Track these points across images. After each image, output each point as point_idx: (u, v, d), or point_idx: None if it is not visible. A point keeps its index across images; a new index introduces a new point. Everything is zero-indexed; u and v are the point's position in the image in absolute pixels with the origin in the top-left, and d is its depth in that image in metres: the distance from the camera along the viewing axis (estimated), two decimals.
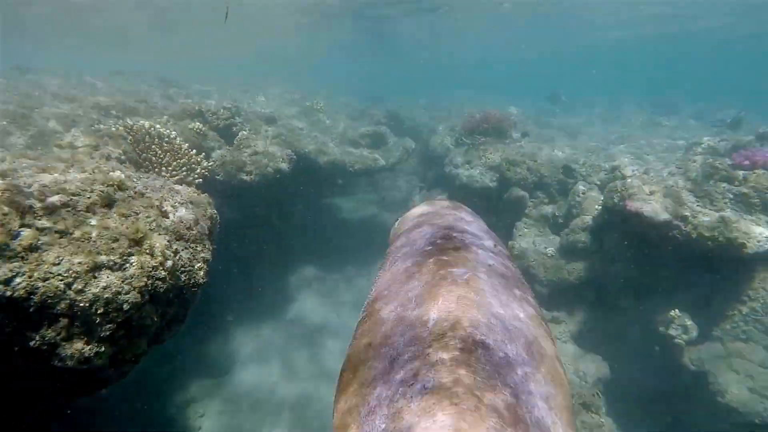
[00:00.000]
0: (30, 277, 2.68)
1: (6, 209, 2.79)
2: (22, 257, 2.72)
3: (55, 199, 3.06)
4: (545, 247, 8.38)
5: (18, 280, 2.65)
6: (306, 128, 11.00)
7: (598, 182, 8.80)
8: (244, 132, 8.75)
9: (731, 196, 6.37)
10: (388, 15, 21.77)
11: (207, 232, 3.94)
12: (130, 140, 6.01)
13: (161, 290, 3.20)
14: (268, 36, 28.95)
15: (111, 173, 3.52)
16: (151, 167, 5.98)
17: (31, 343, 2.78)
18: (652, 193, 6.56)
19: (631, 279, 7.13)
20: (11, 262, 2.67)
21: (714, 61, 48.96)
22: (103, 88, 10.68)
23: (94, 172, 3.48)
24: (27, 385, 3.13)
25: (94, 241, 2.97)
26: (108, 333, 2.95)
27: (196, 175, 6.42)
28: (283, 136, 9.51)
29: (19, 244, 2.73)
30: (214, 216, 4.35)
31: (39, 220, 2.91)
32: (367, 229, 11.68)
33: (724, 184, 6.48)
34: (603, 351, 7.30)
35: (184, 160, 6.40)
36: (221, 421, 7.38)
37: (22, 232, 2.78)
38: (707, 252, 6.21)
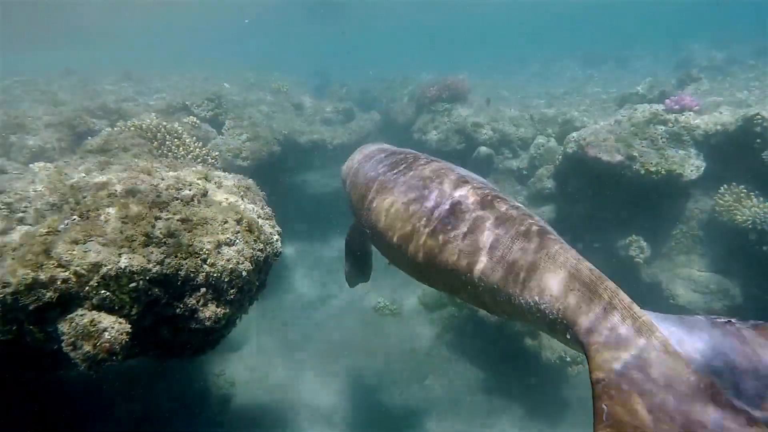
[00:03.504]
0: (175, 257, 3.35)
1: (141, 207, 3.42)
2: (165, 243, 3.37)
3: (167, 194, 3.69)
4: (515, 197, 9.52)
5: (168, 260, 3.32)
6: (279, 110, 11.49)
7: (554, 135, 9.98)
8: (229, 120, 9.21)
9: (667, 136, 7.66)
10: None
11: (271, 211, 4.65)
12: (148, 138, 6.45)
13: (260, 259, 3.93)
14: (202, 19, 28.12)
15: (195, 167, 4.14)
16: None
17: (177, 311, 3.47)
18: (605, 140, 7.75)
19: (592, 216, 8.39)
20: (159, 248, 3.33)
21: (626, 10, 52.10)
22: (68, 90, 10.63)
23: (179, 169, 4.10)
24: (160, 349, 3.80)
25: (210, 224, 3.65)
26: (232, 297, 3.67)
27: (208, 165, 6.95)
28: (263, 120, 10.01)
29: (159, 233, 3.38)
30: (265, 197, 5.04)
31: (163, 212, 3.55)
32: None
33: (661, 127, 7.76)
34: None
35: (196, 152, 6.91)
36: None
37: (158, 223, 3.42)
38: (653, 184, 7.51)
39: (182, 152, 6.71)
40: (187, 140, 6.91)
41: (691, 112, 7.68)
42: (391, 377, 8.33)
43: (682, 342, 1.97)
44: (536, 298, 2.39)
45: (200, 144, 7.10)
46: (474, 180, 3.23)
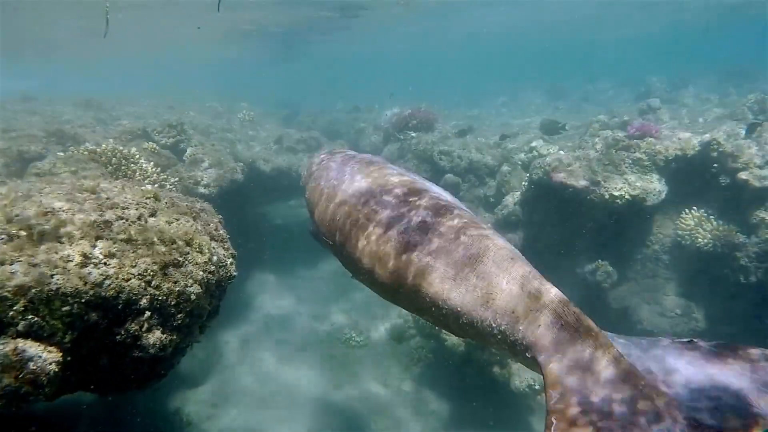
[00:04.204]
0: (117, 278, 3.10)
1: (83, 228, 3.17)
2: (105, 263, 3.12)
3: (111, 214, 3.45)
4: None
5: (107, 282, 3.06)
6: (244, 139, 11.33)
7: (520, 162, 10.10)
8: (191, 148, 8.98)
9: (630, 161, 7.81)
10: (306, 38, 22.18)
11: (225, 234, 4.43)
12: (103, 162, 6.18)
13: (212, 282, 3.70)
14: (172, 51, 28.04)
15: (143, 188, 3.92)
16: None
17: (118, 338, 3.19)
18: (569, 165, 7.84)
19: (559, 241, 8.40)
20: (98, 269, 3.07)
21: (587, 46, 54.63)
22: (24, 116, 10.25)
23: (127, 188, 3.87)
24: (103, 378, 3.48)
25: (157, 245, 3.41)
26: (179, 322, 3.42)
27: (166, 191, 6.69)
28: (227, 148, 9.83)
29: (99, 252, 3.13)
30: (221, 220, 4.82)
31: (104, 232, 3.30)
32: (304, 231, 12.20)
33: (624, 153, 7.91)
34: None
35: (153, 177, 6.65)
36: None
37: (98, 244, 3.17)
38: (618, 209, 7.59)
39: (139, 177, 6.45)
40: (144, 165, 6.66)
41: (652, 138, 7.86)
42: (358, 413, 7.99)
43: (641, 360, 1.95)
44: (498, 321, 2.36)
45: (158, 170, 6.85)
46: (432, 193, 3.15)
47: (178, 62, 38.86)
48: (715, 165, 7.29)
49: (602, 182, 7.55)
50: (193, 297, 3.43)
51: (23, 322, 2.76)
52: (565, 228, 8.24)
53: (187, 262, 3.50)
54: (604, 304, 7.97)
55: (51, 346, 2.87)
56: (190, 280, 3.45)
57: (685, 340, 2.06)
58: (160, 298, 3.24)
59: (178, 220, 3.81)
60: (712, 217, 7.32)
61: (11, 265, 2.83)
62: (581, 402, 1.88)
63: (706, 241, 7.14)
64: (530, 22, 28.94)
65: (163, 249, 3.41)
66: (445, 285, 2.56)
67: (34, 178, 5.48)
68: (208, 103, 16.43)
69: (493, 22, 27.35)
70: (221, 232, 4.39)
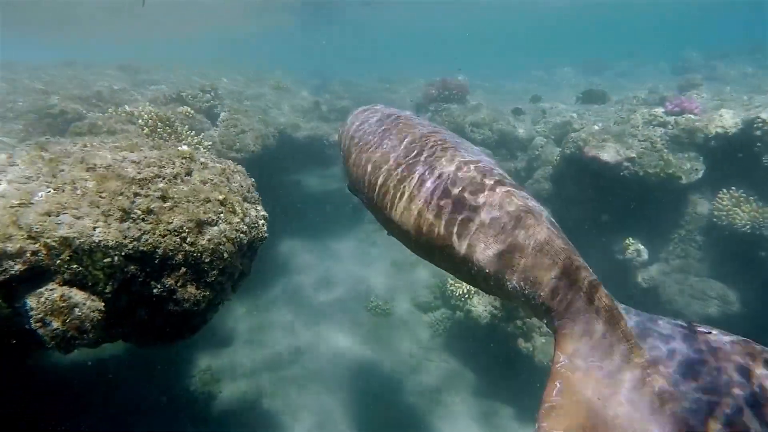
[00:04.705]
0: (153, 234, 3.23)
1: (123, 185, 3.29)
2: (143, 219, 3.24)
3: (148, 171, 3.56)
4: None
5: (145, 236, 3.19)
6: (276, 106, 11.39)
7: (553, 136, 9.89)
8: (224, 113, 9.10)
9: (667, 138, 7.57)
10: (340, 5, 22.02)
11: (258, 196, 4.53)
12: (139, 124, 6.34)
13: (244, 242, 3.81)
14: (209, 21, 28.15)
15: (180, 148, 4.02)
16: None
17: (155, 291, 3.34)
18: (603, 140, 7.65)
19: (590, 217, 8.28)
20: (137, 224, 3.20)
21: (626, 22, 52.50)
22: (65, 79, 10.52)
23: (163, 148, 3.98)
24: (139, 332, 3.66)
25: (192, 203, 3.52)
26: (212, 279, 3.55)
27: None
28: (259, 114, 9.91)
29: (138, 209, 3.25)
30: (254, 183, 4.91)
31: (142, 189, 3.42)
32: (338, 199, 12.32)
33: (661, 129, 7.66)
34: None
35: (187, 140, 6.79)
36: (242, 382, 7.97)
37: (137, 200, 3.29)
38: (651, 186, 7.40)
39: (173, 140, 6.59)
40: (179, 128, 6.80)
41: (691, 115, 7.58)
42: (384, 381, 8.18)
43: (651, 347, 2.00)
44: (522, 284, 2.43)
45: (192, 133, 6.99)
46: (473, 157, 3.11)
47: (211, 35, 39.04)
48: (758, 144, 7.00)
49: (636, 158, 7.35)
50: (225, 255, 3.55)
51: (68, 271, 2.92)
52: (597, 204, 8.11)
53: (220, 221, 3.61)
54: (633, 283, 7.86)
55: (94, 294, 3.03)
56: (224, 239, 3.56)
57: (703, 328, 2.04)
58: (194, 254, 3.36)
59: (212, 180, 3.90)
60: (751, 198, 7.07)
61: (58, 216, 2.98)
62: (587, 371, 1.94)
63: (743, 222, 6.92)
64: None
65: (198, 207, 3.52)
66: (477, 248, 2.59)
67: (76, 137, 5.66)
68: (241, 71, 16.52)
69: None
70: (253, 194, 4.48)
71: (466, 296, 8.13)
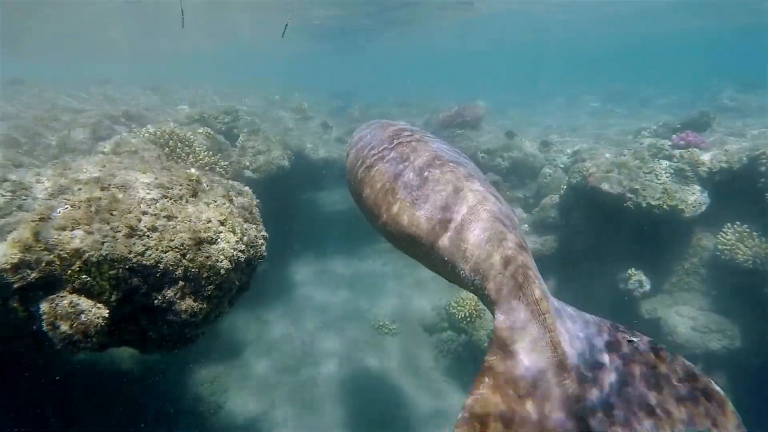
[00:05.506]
0: (156, 249, 3.55)
1: (132, 203, 3.65)
2: (148, 236, 3.58)
3: (156, 192, 3.92)
4: (520, 224, 9.55)
5: (149, 252, 3.52)
6: (295, 128, 11.85)
7: (562, 165, 10.03)
8: (243, 134, 9.56)
9: (672, 171, 7.65)
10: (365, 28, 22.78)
11: (260, 217, 4.84)
12: (160, 144, 6.78)
13: (241, 260, 4.11)
14: (233, 45, 29.34)
15: (189, 170, 4.38)
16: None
17: (155, 302, 3.65)
18: (608, 171, 7.78)
19: (594, 246, 8.36)
20: (141, 240, 3.54)
21: (654, 50, 52.18)
22: (99, 99, 11.22)
23: (174, 170, 4.34)
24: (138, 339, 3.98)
25: (194, 222, 3.85)
26: (209, 293, 3.84)
27: (215, 174, 7.23)
28: (278, 135, 10.35)
29: (144, 226, 3.59)
30: (258, 204, 5.24)
31: (150, 208, 3.77)
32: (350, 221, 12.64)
33: (666, 162, 7.75)
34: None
35: (204, 160, 7.21)
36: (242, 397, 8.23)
37: (143, 218, 3.64)
38: (655, 218, 7.47)
39: (191, 160, 7.01)
40: (197, 149, 7.23)
41: (696, 149, 7.66)
42: (388, 398, 8.32)
43: (573, 342, 2.19)
44: (472, 276, 2.65)
45: (209, 153, 7.41)
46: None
47: (240, 55, 40.50)
48: (762, 180, 7.03)
49: (640, 190, 7.45)
50: (222, 271, 3.85)
51: (78, 281, 3.25)
52: (601, 234, 8.19)
53: (219, 240, 3.92)
54: (635, 313, 7.88)
55: (99, 303, 3.35)
56: (221, 256, 3.86)
57: (628, 337, 2.22)
58: (192, 269, 3.67)
59: (215, 201, 4.24)
60: (755, 233, 7.07)
61: (72, 231, 3.33)
62: (512, 368, 2.14)
63: (746, 257, 6.93)
64: (594, 20, 28.11)
65: (199, 226, 3.84)
66: (435, 236, 2.85)
67: (101, 155, 6.12)
68: (264, 91, 17.17)
69: (554, 21, 26.78)
70: (256, 215, 4.80)
71: (468, 319, 8.27)
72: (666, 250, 7.87)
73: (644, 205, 7.38)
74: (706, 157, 7.54)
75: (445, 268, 2.86)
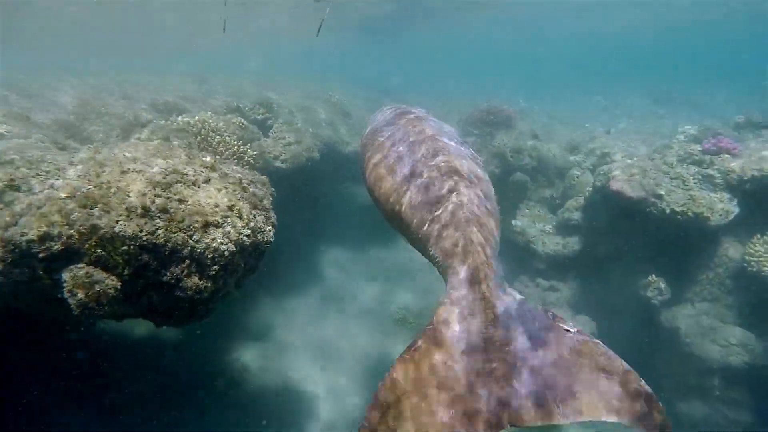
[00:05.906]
0: (165, 230, 3.88)
1: (147, 186, 3.99)
2: (159, 217, 3.91)
3: (172, 177, 4.25)
4: (544, 225, 9.49)
5: (159, 232, 3.85)
6: (329, 120, 12.13)
7: (591, 167, 9.86)
8: (276, 125, 9.92)
9: (700, 177, 7.43)
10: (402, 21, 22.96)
11: (271, 205, 5.13)
12: (192, 132, 7.20)
13: (246, 244, 4.39)
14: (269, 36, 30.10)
15: (204, 158, 4.71)
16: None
17: (164, 278, 3.98)
18: (632, 175, 7.63)
19: (616, 251, 8.23)
20: (153, 220, 3.87)
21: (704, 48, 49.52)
22: (146, 87, 11.89)
23: (192, 158, 4.67)
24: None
25: (203, 206, 4.16)
26: (214, 273, 4.15)
27: (244, 163, 7.59)
28: (311, 127, 10.66)
29: (156, 208, 3.92)
30: (273, 193, 5.53)
31: (164, 191, 4.10)
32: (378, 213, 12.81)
33: (695, 167, 7.53)
34: (592, 312, 8.43)
35: (234, 149, 7.58)
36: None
37: (156, 200, 3.97)
38: (679, 225, 7.29)
39: (221, 149, 7.40)
40: (228, 138, 7.61)
41: (728, 155, 7.40)
42: None
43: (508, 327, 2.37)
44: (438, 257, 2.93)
45: (240, 143, 7.77)
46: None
47: (279, 48, 41.38)
48: None
49: (664, 195, 7.28)
50: (226, 253, 4.14)
51: (94, 254, 3.61)
52: (624, 238, 8.06)
53: (226, 224, 4.22)
54: (654, 321, 7.73)
55: (113, 275, 3.70)
56: (226, 239, 4.15)
57: (566, 326, 2.33)
58: (198, 250, 3.98)
59: (227, 188, 4.54)
60: None
61: (91, 209, 3.69)
62: (448, 351, 2.34)
63: None
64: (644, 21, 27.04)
65: (207, 210, 4.15)
66: (415, 218, 3.23)
67: (134, 141, 6.58)
68: (300, 85, 17.55)
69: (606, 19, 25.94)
70: (266, 203, 5.08)
71: None
72: (690, 258, 7.65)
73: (668, 211, 7.22)
74: (737, 164, 7.27)
75: (418, 243, 3.25)
